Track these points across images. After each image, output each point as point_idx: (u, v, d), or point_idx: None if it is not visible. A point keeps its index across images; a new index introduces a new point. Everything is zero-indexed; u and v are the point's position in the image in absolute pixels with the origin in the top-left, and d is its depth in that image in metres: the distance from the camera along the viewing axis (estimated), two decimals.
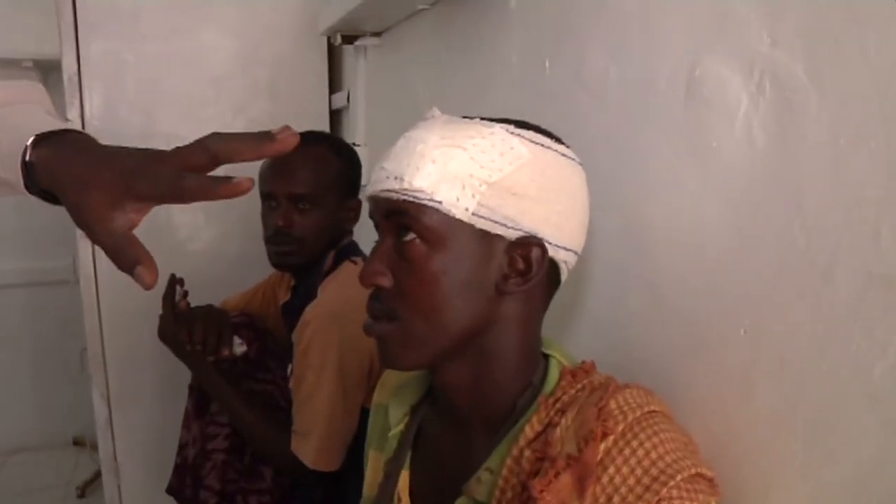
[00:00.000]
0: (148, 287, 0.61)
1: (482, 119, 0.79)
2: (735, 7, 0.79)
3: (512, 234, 0.76)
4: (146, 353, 2.01)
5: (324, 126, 2.21)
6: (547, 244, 0.77)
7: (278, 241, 1.48)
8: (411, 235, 0.76)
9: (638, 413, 0.74)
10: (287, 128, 0.59)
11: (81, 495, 2.99)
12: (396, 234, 0.78)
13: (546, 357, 0.85)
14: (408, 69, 1.76)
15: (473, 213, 0.74)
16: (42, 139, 0.70)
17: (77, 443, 3.40)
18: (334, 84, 2.26)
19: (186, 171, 0.58)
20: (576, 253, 0.81)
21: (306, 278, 1.54)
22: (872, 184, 0.64)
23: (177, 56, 2.08)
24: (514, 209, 0.75)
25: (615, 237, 1.00)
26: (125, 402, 2.11)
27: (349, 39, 1.92)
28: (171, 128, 2.08)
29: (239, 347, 1.52)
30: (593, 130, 1.03)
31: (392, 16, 1.72)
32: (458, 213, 0.74)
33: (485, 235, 0.76)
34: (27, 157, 0.69)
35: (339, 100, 2.19)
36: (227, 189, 0.56)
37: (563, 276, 0.82)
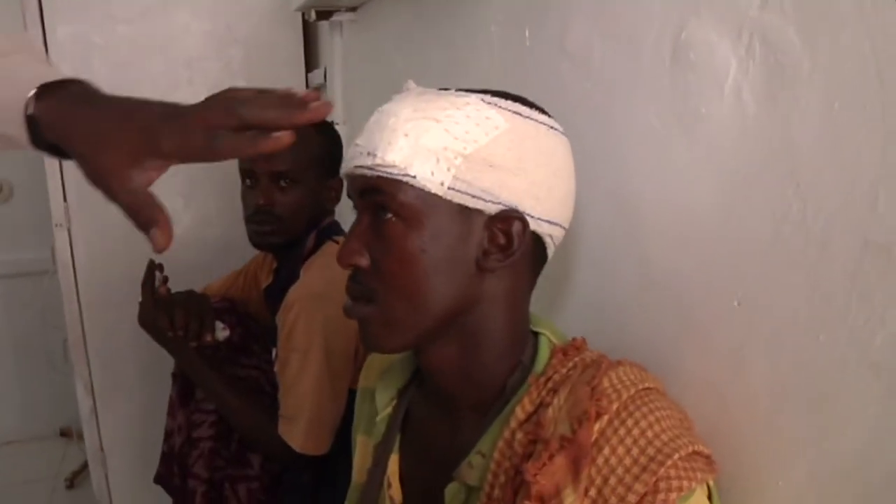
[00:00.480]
0: (160, 249, 0.61)
1: (459, 90, 0.75)
2: None
3: (491, 208, 0.73)
4: (128, 342, 1.98)
5: None
6: (528, 217, 0.74)
7: (259, 220, 1.45)
8: (387, 213, 0.73)
9: (632, 391, 0.72)
10: (317, 93, 0.57)
11: (70, 486, 2.96)
12: (373, 212, 0.75)
13: (535, 335, 0.83)
14: (385, 44, 1.72)
15: (449, 188, 0.71)
16: (44, 91, 0.67)
17: (64, 434, 3.36)
18: (311, 61, 2.21)
19: (215, 130, 0.57)
20: (562, 227, 0.79)
21: (288, 260, 1.51)
22: (868, 149, 0.62)
23: (148, 38, 2.02)
24: (491, 181, 0.72)
25: (603, 211, 0.97)
26: (109, 392, 2.08)
27: (324, 15, 1.87)
28: None
29: (222, 332, 1.49)
30: (577, 101, 1.00)
31: None
32: (434, 188, 0.71)
33: (463, 210, 0.73)
34: (29, 111, 0.67)
35: (317, 77, 2.15)
36: (268, 145, 0.56)
37: (550, 252, 0.80)
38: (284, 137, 0.55)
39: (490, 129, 0.72)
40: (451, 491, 0.79)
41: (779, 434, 0.74)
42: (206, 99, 0.60)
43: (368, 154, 0.72)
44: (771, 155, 0.72)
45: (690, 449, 0.68)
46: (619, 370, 0.75)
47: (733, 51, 0.75)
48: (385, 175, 0.72)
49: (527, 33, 1.12)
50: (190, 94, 2.03)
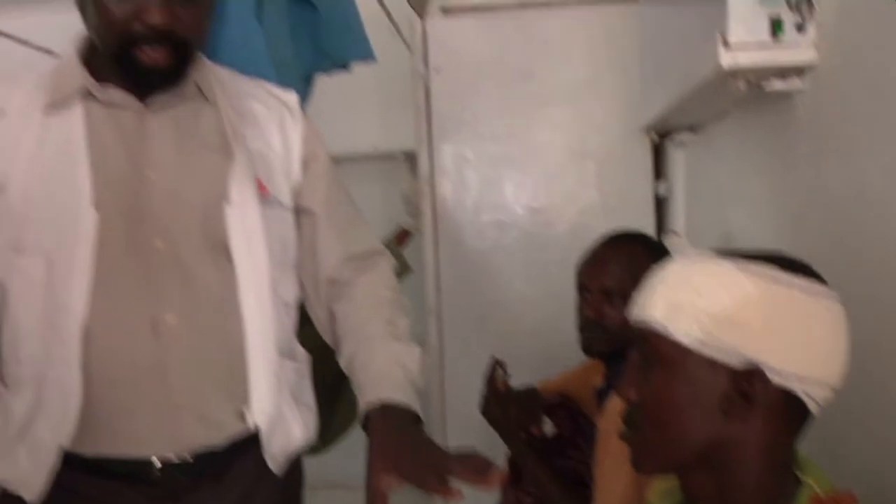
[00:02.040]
0: None
1: (725, 253, 0.87)
2: None
3: (735, 363, 0.83)
4: (482, 425, 2.24)
5: (648, 213, 2.31)
6: (773, 374, 0.82)
7: (587, 329, 1.61)
8: (649, 358, 0.88)
9: None
10: (498, 472, 0.90)
11: None
12: (643, 355, 0.90)
13: (800, 482, 0.87)
14: (724, 163, 1.81)
15: (700, 343, 0.83)
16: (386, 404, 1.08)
17: None
18: (659, 172, 2.35)
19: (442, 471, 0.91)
20: (825, 384, 0.84)
21: (614, 367, 1.64)
22: None
23: (512, 154, 2.34)
24: (736, 340, 0.83)
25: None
26: None
27: (666, 135, 2.01)
28: (509, 218, 2.33)
29: (549, 429, 1.66)
30: None
31: (702, 116, 1.79)
32: (686, 342, 0.84)
33: (710, 362, 0.84)
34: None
35: (662, 188, 2.28)
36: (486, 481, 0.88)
37: (813, 407, 0.85)
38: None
39: (737, 293, 0.83)
40: None
41: None
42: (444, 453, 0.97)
43: (639, 307, 0.90)
44: None
45: None
46: None
47: None
48: (650, 328, 0.87)
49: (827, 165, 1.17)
50: (547, 202, 2.30)
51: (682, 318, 0.85)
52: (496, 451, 2.20)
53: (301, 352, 1.36)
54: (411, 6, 2.26)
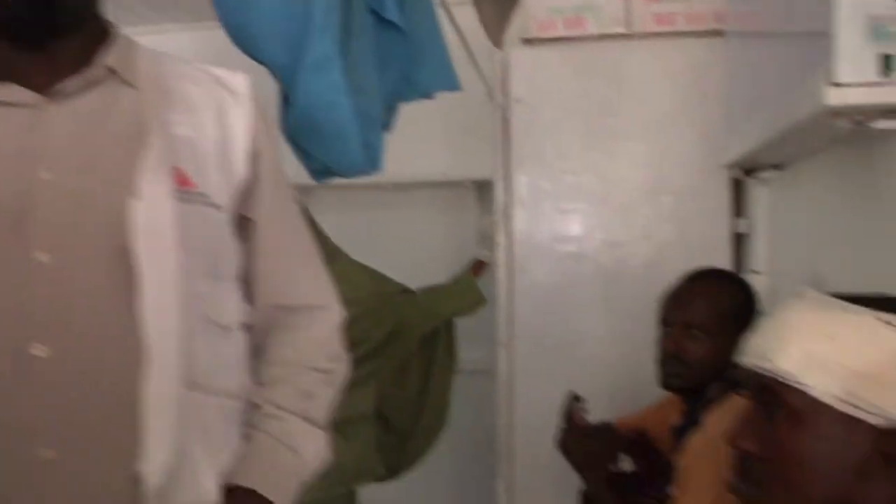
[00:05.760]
0: None
1: (852, 299, 0.84)
2: None
3: (880, 422, 0.79)
4: (551, 454, 2.22)
5: (725, 250, 2.27)
6: None
7: (667, 364, 1.60)
8: (777, 411, 0.83)
9: None
10: None
11: None
12: (764, 405, 0.86)
13: None
14: (806, 204, 1.78)
15: (840, 400, 0.79)
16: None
17: None
18: (739, 208, 2.32)
19: None
20: None
21: (694, 404, 1.62)
22: None
23: (590, 186, 2.34)
24: (882, 398, 0.78)
25: None
26: (526, 496, 2.33)
27: (750, 172, 1.99)
28: (584, 251, 2.34)
29: (625, 465, 1.65)
30: None
31: (792, 154, 1.76)
32: (825, 398, 0.80)
33: (849, 420, 0.80)
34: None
35: (742, 226, 2.25)
36: None
37: None
38: None
39: (882, 348, 0.79)
40: None
41: None
42: None
43: (764, 357, 0.84)
44: None
45: None
46: None
47: None
48: (779, 379, 0.83)
49: None
50: (626, 237, 2.29)
51: (820, 373, 0.80)
52: (565, 486, 2.18)
53: (240, 386, 1.10)
54: (488, 36, 2.29)
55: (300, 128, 1.64)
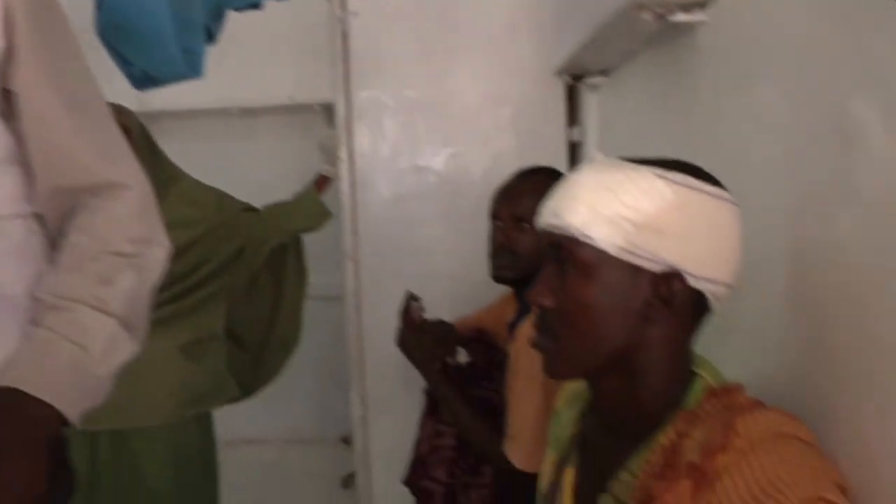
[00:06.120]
0: None
1: (636, 161, 0.90)
2: None
3: (656, 268, 0.87)
4: (398, 362, 2.27)
5: (562, 158, 2.35)
6: (689, 277, 0.87)
7: (498, 256, 1.66)
8: (568, 266, 0.89)
9: (766, 434, 0.80)
10: None
11: (345, 486, 3.36)
12: (558, 262, 0.91)
13: (695, 375, 0.93)
14: (631, 106, 1.87)
15: (621, 249, 0.86)
16: None
17: (345, 441, 3.80)
18: (574, 118, 2.40)
19: None
20: (726, 284, 0.90)
21: (524, 297, 1.70)
22: None
23: (430, 100, 2.36)
24: (657, 246, 0.86)
25: (776, 267, 1.05)
26: (379, 404, 2.39)
27: (578, 78, 2.06)
28: (426, 161, 2.36)
29: (462, 358, 1.72)
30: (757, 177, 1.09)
31: (612, 57, 1.84)
32: (609, 249, 0.87)
33: (631, 268, 0.87)
34: None
35: (577, 133, 2.34)
36: None
37: (715, 306, 0.91)
38: None
39: (658, 201, 0.86)
40: (603, 501, 0.92)
41: None
42: None
43: (556, 216, 0.90)
44: None
45: (815, 494, 0.73)
46: (759, 414, 0.83)
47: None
48: (568, 235, 0.89)
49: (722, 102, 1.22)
50: (465, 147, 2.33)
51: (604, 226, 0.86)
52: (413, 390, 2.25)
53: (18, 281, 0.97)
54: None
55: (113, 31, 1.57)
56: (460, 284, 2.33)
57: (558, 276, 0.91)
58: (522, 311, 1.70)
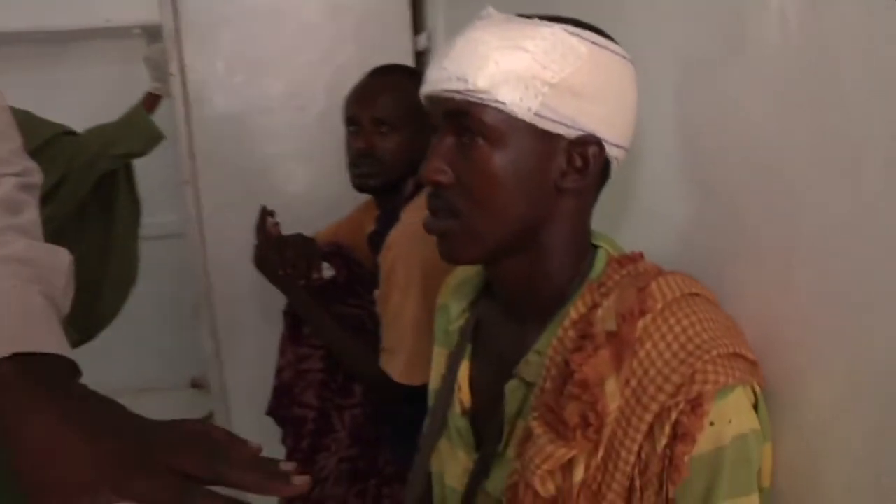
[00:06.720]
0: None
1: (541, 18, 0.81)
2: None
3: (571, 133, 0.80)
4: (250, 289, 2.14)
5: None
6: (604, 143, 0.81)
7: (359, 164, 1.56)
8: (474, 135, 0.79)
9: (678, 294, 0.78)
10: (299, 470, 0.56)
11: None
12: (457, 133, 0.82)
13: (595, 248, 0.89)
14: (483, 8, 1.79)
15: (536, 114, 0.78)
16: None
17: (195, 385, 3.63)
18: (419, 26, 2.31)
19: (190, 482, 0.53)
20: (626, 149, 0.85)
21: (389, 205, 1.61)
22: None
23: (268, 9, 2.18)
24: (574, 109, 0.79)
25: (664, 134, 1.02)
26: (231, 336, 2.25)
27: None
28: (265, 76, 2.19)
29: (327, 271, 1.62)
30: (643, 32, 1.04)
31: None
32: (521, 114, 0.78)
33: (545, 134, 0.79)
34: None
35: (423, 41, 2.25)
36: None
37: (613, 172, 0.86)
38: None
39: (575, 60, 0.78)
40: (511, 387, 0.87)
41: (824, 339, 0.76)
42: (178, 436, 0.56)
43: (458, 79, 0.78)
44: (814, 67, 0.74)
45: (731, 350, 0.74)
46: (669, 277, 0.81)
47: None
48: (474, 99, 0.78)
49: None
50: (306, 59, 2.19)
51: (516, 87, 0.77)
52: (268, 316, 2.12)
53: None
54: None
55: None
56: (310, 203, 2.22)
57: (457, 148, 0.82)
58: (385, 221, 1.62)
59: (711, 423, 0.71)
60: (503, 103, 0.77)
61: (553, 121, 0.78)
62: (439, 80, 0.81)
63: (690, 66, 0.96)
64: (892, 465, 0.69)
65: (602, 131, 0.81)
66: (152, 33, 3.23)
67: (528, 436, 0.79)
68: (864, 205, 0.70)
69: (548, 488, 0.76)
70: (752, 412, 0.75)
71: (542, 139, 0.80)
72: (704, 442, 0.71)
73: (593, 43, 0.80)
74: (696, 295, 0.79)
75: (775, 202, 0.81)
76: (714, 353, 0.72)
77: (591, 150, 0.81)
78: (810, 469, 0.78)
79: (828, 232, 0.75)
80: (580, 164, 0.81)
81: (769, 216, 0.82)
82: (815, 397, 0.77)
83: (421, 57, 2.31)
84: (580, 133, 0.80)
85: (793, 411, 0.80)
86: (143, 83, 2.41)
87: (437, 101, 0.83)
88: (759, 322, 0.84)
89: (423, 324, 1.44)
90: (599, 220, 0.92)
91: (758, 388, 0.77)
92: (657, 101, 0.99)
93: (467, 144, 0.81)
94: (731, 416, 0.72)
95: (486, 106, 0.78)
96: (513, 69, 0.77)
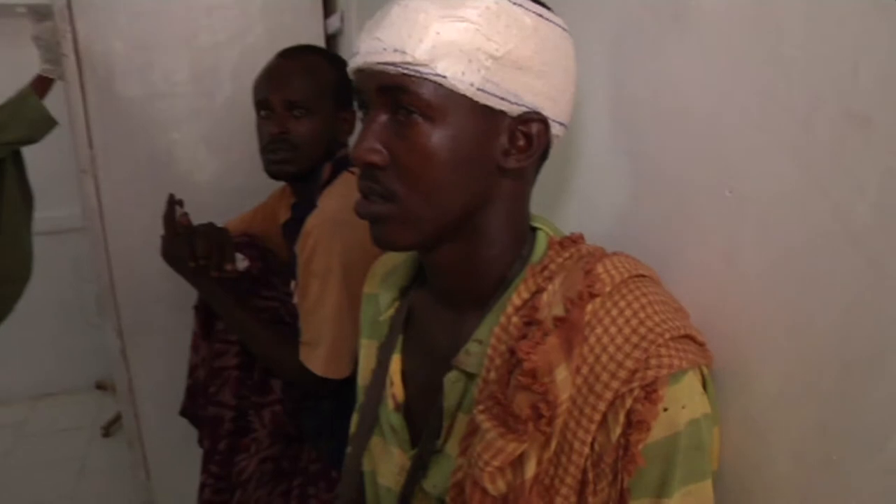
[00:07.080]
0: None
1: None
2: None
3: (515, 110, 0.74)
4: (156, 283, 2.04)
5: None
6: (548, 119, 0.76)
7: (274, 149, 1.47)
8: (410, 111, 0.73)
9: (625, 276, 0.74)
10: None
11: (106, 434, 3.06)
12: (392, 109, 0.75)
13: (534, 231, 0.85)
14: None
15: (479, 89, 0.72)
16: None
17: (100, 387, 3.46)
18: (329, 8, 2.23)
19: None
20: (566, 127, 0.81)
21: (304, 192, 1.54)
22: (849, 19, 0.63)
23: None
24: (518, 84, 0.73)
25: (599, 110, 0.98)
26: (138, 334, 2.13)
27: None
28: (168, 59, 2.07)
29: (241, 262, 1.53)
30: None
31: None
32: (463, 89, 0.71)
33: (487, 111, 0.74)
34: None
35: (335, 23, 2.17)
36: None
37: (552, 151, 0.82)
38: None
39: (519, 32, 0.72)
40: (450, 379, 0.82)
41: (769, 318, 0.74)
42: None
43: (395, 51, 0.71)
44: (757, 37, 0.72)
45: (682, 332, 0.71)
46: (614, 258, 0.77)
47: None
48: (412, 73, 0.71)
49: None
50: (211, 41, 2.08)
51: (457, 60, 0.70)
52: (177, 312, 2.02)
53: None
54: None
55: None
56: (219, 192, 2.13)
57: (391, 126, 0.75)
58: (301, 208, 1.54)
59: (665, 409, 0.68)
60: (443, 77, 0.71)
61: (496, 96, 0.73)
62: (372, 51, 0.73)
63: (625, 36, 0.92)
64: (841, 443, 0.67)
65: (546, 108, 0.76)
66: (41, 11, 3.04)
67: (473, 430, 0.75)
68: (810, 180, 0.68)
69: (498, 486, 0.71)
70: (704, 396, 0.72)
71: (484, 116, 0.74)
72: (658, 429, 0.68)
73: (538, 14, 0.75)
74: (643, 276, 0.76)
75: (718, 179, 0.79)
76: (667, 335, 0.69)
77: (535, 127, 0.76)
78: (757, 451, 0.76)
79: (773, 209, 0.72)
80: (523, 142, 0.76)
81: (712, 194, 0.80)
82: (761, 378, 0.75)
83: (332, 40, 2.23)
84: (524, 110, 0.75)
85: (739, 393, 0.77)
86: (33, 66, 2.25)
87: (370, 74, 0.75)
88: (703, 303, 0.81)
89: (345, 314, 1.38)
90: (534, 202, 0.87)
91: (706, 371, 0.74)
92: (592, 74, 0.95)
93: (403, 122, 0.73)
94: (684, 401, 0.69)
95: (424, 80, 0.71)
96: (455, 40, 0.70)
